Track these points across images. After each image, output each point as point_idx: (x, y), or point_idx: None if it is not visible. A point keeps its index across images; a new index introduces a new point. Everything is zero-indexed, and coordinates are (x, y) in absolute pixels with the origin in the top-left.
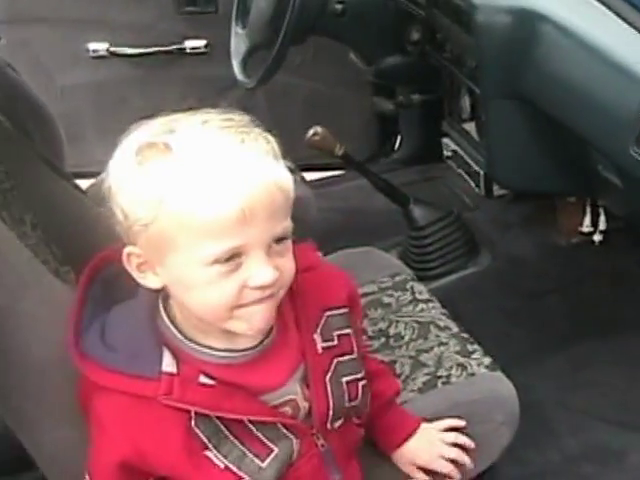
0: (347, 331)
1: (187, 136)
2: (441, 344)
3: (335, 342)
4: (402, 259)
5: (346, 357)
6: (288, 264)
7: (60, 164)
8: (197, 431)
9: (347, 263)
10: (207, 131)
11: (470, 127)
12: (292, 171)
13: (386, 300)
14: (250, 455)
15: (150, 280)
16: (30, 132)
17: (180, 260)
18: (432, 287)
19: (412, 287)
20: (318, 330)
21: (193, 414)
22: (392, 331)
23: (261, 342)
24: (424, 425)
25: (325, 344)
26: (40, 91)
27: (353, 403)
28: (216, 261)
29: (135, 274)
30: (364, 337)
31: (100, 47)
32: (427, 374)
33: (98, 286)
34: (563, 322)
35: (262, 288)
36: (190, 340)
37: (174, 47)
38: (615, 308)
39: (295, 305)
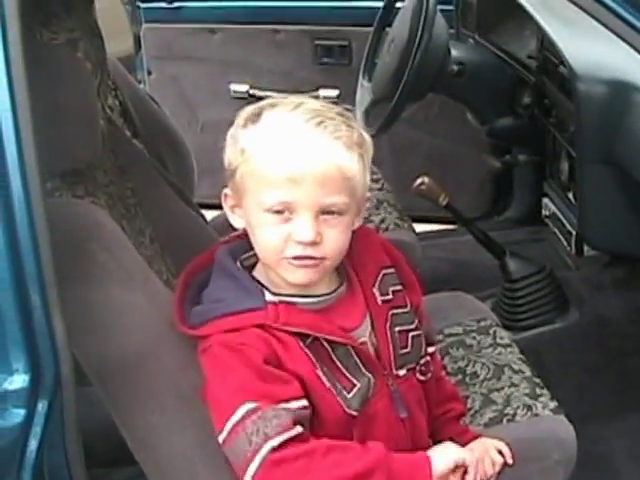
0: (399, 287)
1: (278, 112)
2: (512, 385)
3: (390, 296)
4: (495, 308)
5: (399, 310)
6: (335, 236)
7: (188, 192)
8: (307, 351)
9: (439, 305)
10: (295, 111)
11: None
12: (401, 219)
13: (469, 342)
14: (339, 386)
15: (236, 220)
16: (164, 159)
17: (249, 203)
18: (519, 337)
19: (495, 332)
20: (376, 285)
21: (299, 338)
22: (469, 370)
23: (336, 289)
24: (483, 438)
25: (383, 297)
26: (183, 123)
27: (404, 351)
28: (269, 210)
29: (228, 213)
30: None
31: (241, 88)
32: (495, 411)
33: (194, 288)
34: None
35: (303, 244)
36: (278, 294)
37: (309, 94)
38: None
39: (355, 264)
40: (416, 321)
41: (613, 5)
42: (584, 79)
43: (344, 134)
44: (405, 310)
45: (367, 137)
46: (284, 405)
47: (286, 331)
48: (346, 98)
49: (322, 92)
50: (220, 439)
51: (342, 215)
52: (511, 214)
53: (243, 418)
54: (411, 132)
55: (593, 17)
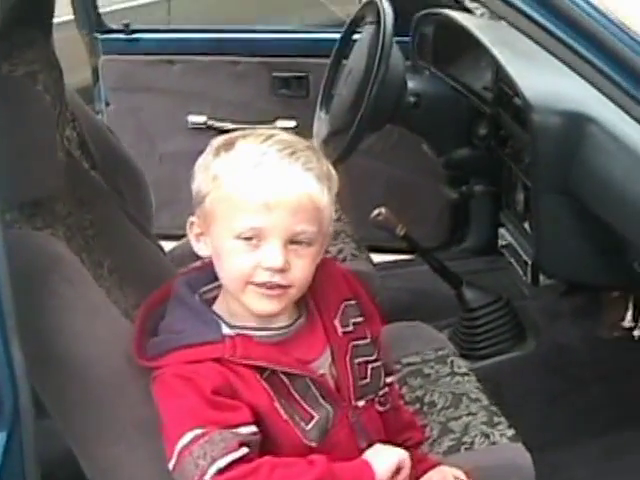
0: (360, 319)
1: (251, 142)
2: (470, 414)
3: (351, 328)
4: (452, 338)
5: (360, 341)
6: (302, 266)
7: (146, 223)
8: (265, 384)
9: (397, 335)
10: (268, 142)
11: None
12: (359, 249)
13: (426, 371)
14: (297, 417)
15: (201, 248)
16: (122, 191)
17: (218, 230)
18: (477, 366)
19: (452, 361)
20: (337, 317)
21: (257, 371)
22: (427, 399)
23: (295, 321)
24: (441, 467)
25: (344, 329)
26: (141, 155)
27: (364, 382)
28: (239, 235)
29: (193, 242)
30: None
31: (199, 120)
32: (453, 439)
33: (154, 320)
34: (601, 411)
35: (271, 271)
36: (236, 327)
37: (266, 126)
38: None
39: (316, 295)
40: (376, 353)
41: (568, 39)
42: (539, 110)
43: (315, 166)
44: (366, 342)
45: (333, 171)
46: (233, 430)
47: (243, 364)
48: (304, 129)
49: (279, 123)
50: (170, 466)
51: (310, 246)
52: (468, 244)
53: (190, 443)
54: (368, 163)
55: (547, 50)
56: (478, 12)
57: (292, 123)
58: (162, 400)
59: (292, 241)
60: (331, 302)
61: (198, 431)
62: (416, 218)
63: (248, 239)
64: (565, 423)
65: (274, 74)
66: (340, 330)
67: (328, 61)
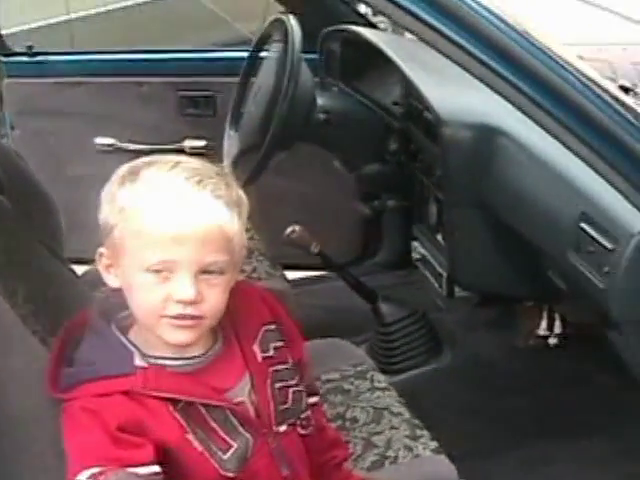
0: (281, 344)
1: (156, 171)
2: (392, 428)
3: (272, 352)
4: (370, 353)
5: (281, 366)
6: (215, 296)
7: (58, 248)
8: (177, 416)
9: (315, 352)
10: (174, 170)
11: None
12: (273, 267)
13: (346, 387)
14: (214, 447)
15: (111, 280)
16: (31, 216)
17: (127, 263)
18: (395, 380)
19: (372, 376)
20: (257, 342)
21: (170, 403)
22: (349, 415)
23: (210, 349)
24: None
25: (264, 354)
26: (49, 179)
27: (284, 406)
28: (149, 269)
29: (102, 272)
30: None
31: (106, 142)
32: (377, 454)
33: (70, 348)
34: (519, 421)
35: (183, 303)
36: (150, 356)
37: (174, 146)
38: (569, 409)
39: (234, 321)
40: (297, 377)
41: (476, 52)
42: (449, 124)
43: (224, 193)
44: (286, 366)
45: (244, 196)
46: (131, 470)
47: (155, 396)
48: (213, 149)
49: (188, 143)
50: None
51: (222, 274)
52: (382, 258)
53: None
54: (280, 181)
55: (455, 62)
56: (382, 26)
57: (201, 143)
58: (67, 433)
59: (203, 271)
60: (250, 327)
61: (95, 470)
62: (329, 234)
63: (157, 272)
64: (483, 434)
65: (181, 94)
66: (260, 355)
67: (235, 80)
